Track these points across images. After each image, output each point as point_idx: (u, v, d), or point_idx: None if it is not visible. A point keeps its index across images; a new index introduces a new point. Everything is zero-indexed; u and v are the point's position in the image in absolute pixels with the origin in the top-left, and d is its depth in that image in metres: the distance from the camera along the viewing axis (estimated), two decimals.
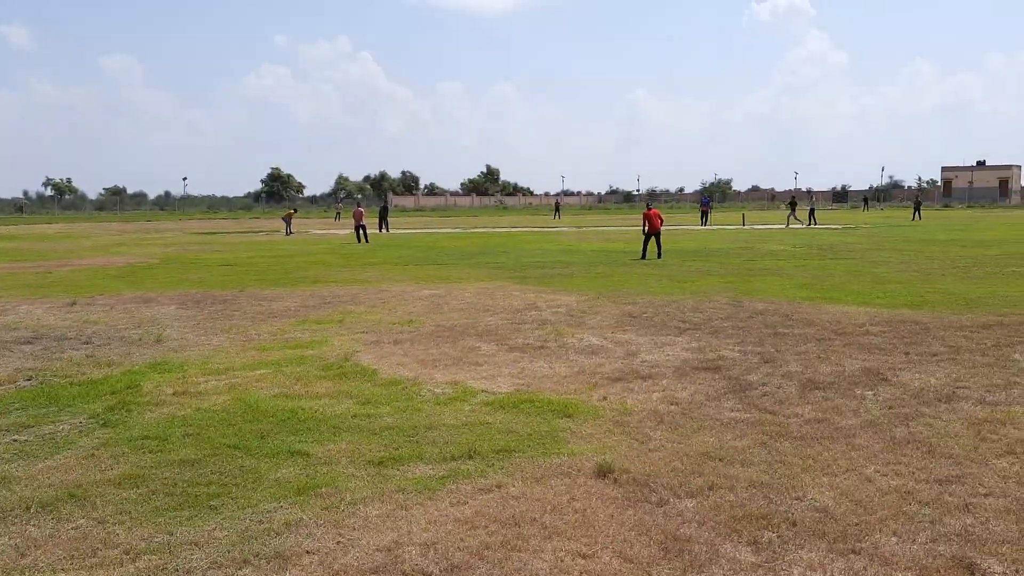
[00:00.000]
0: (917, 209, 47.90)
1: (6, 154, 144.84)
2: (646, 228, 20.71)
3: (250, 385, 7.07)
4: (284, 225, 37.14)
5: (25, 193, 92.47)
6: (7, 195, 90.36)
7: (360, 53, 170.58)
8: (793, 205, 43.89)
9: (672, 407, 6.25)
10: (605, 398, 6.54)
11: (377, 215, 38.05)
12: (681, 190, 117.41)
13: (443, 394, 6.71)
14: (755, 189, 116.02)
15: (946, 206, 78.66)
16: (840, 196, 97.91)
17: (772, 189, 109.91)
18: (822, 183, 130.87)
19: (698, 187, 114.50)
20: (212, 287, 14.93)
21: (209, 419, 6.03)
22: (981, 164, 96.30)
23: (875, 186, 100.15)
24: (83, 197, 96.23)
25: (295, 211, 42.69)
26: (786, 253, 21.50)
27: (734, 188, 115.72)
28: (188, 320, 11.02)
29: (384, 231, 36.22)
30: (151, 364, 8.04)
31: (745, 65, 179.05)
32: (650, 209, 21.37)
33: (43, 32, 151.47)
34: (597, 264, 19.05)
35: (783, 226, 39.16)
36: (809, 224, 39.67)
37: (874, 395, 6.52)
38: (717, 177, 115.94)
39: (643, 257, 20.20)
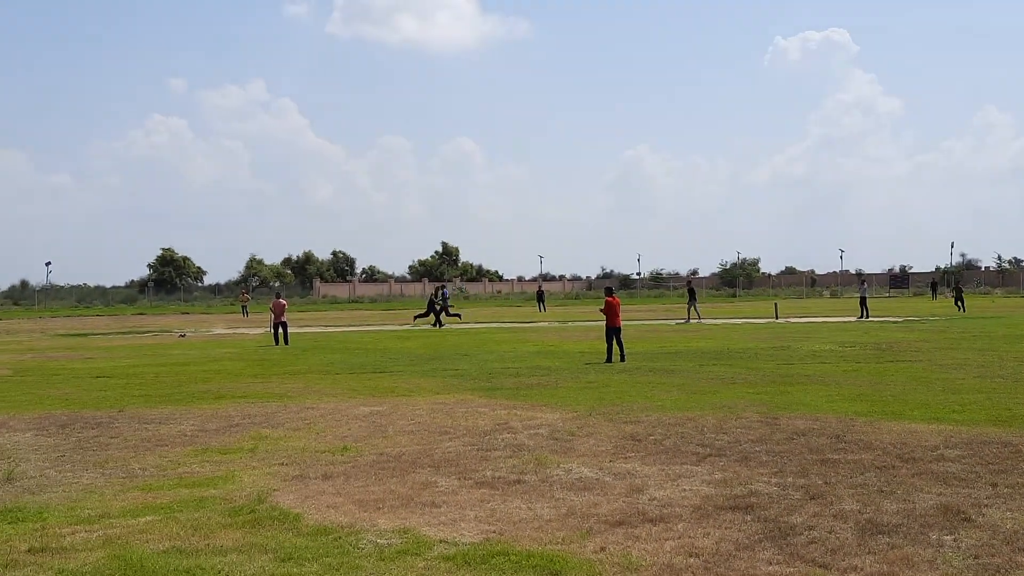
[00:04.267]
0: (959, 299, 48.03)
1: None
2: (607, 320, 21.36)
3: (132, 538, 6.94)
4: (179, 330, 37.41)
5: None
6: None
7: (279, 100, 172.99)
8: (958, 291, 47.00)
9: (692, 560, 6.22)
10: (603, 549, 6.50)
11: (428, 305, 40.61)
12: (694, 272, 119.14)
13: (389, 546, 6.63)
14: (790, 271, 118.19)
15: None
16: (899, 280, 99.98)
17: (812, 272, 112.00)
18: (876, 263, 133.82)
19: (716, 268, 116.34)
20: (82, 406, 14.78)
21: None
22: None
23: (944, 267, 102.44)
24: None
25: None
26: (832, 355, 21.79)
27: (763, 270, 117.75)
28: (49, 451, 10.86)
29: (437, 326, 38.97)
30: None
31: (771, 115, 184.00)
32: (612, 296, 21.78)
33: None
34: (587, 370, 19.15)
35: (859, 318, 39.67)
36: (860, 316, 40.30)
37: (955, 540, 6.55)
38: (740, 256, 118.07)
39: (608, 360, 20.75)
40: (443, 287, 43.87)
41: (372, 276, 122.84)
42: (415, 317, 41.49)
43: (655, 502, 7.80)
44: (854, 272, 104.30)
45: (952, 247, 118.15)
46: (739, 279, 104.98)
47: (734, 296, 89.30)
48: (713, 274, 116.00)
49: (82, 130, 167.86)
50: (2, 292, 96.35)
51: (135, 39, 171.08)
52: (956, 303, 47.77)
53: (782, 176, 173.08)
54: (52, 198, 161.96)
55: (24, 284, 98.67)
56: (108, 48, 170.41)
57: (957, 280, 59.27)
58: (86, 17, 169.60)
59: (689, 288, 43.90)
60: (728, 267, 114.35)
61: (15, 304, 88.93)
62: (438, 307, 39.87)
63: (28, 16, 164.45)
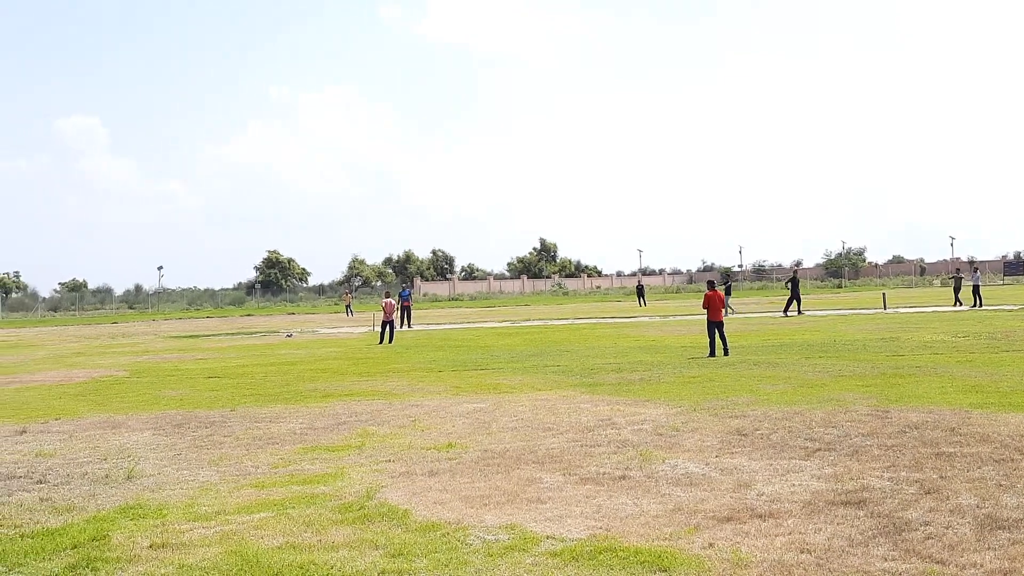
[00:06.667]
0: (958, 290, 41.01)
1: None
2: (708, 314, 21.28)
3: (247, 534, 7.13)
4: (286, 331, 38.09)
5: None
6: None
7: (376, 104, 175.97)
8: (957, 282, 42.64)
9: (803, 556, 6.12)
10: (711, 545, 6.44)
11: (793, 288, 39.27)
12: (799, 264, 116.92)
13: (496, 541, 6.68)
14: (897, 260, 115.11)
15: None
16: (1015, 266, 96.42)
17: (920, 260, 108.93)
18: (989, 250, 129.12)
19: (820, 259, 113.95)
20: (196, 406, 15.21)
21: None
22: None
23: None
24: (34, 295, 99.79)
25: None
26: (944, 345, 21.16)
27: (869, 260, 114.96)
28: (166, 450, 11.19)
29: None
30: (121, 508, 8.16)
31: (873, 102, 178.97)
32: (713, 290, 21.75)
33: None
34: (690, 364, 18.97)
35: (954, 307, 38.60)
36: (974, 305, 39.06)
37: None
38: (845, 246, 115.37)
39: (711, 354, 20.62)
40: (405, 287, 43.81)
41: (471, 274, 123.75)
42: (785, 309, 39.04)
43: (763, 497, 7.70)
44: (966, 260, 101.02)
45: None
46: (844, 269, 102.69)
47: (839, 287, 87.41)
48: (817, 265, 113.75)
49: (190, 137, 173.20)
50: (118, 296, 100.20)
51: (237, 46, 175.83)
52: (957, 300, 41.29)
53: (887, 162, 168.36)
54: (163, 204, 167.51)
55: (138, 288, 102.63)
56: (211, 56, 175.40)
57: (958, 269, 48.23)
58: (191, 28, 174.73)
59: (794, 278, 41.54)
60: (833, 257, 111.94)
61: (130, 308, 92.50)
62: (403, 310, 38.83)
63: (134, 29, 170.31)
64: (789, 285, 39.88)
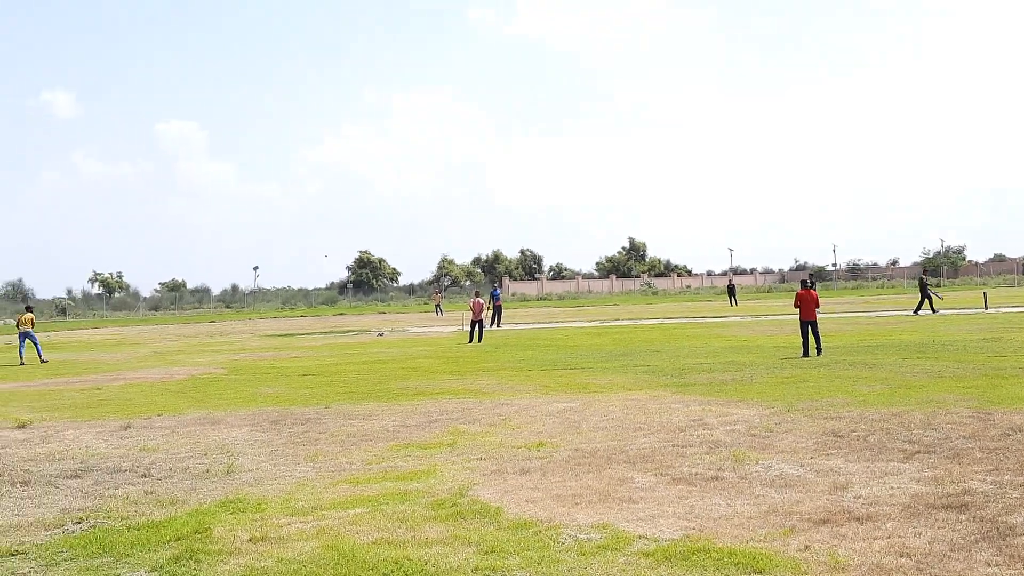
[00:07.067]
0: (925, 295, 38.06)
1: (47, 245, 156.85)
2: (801, 313, 21.01)
3: (343, 528, 7.26)
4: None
5: (69, 292, 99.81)
6: (48, 294, 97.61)
7: (466, 104, 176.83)
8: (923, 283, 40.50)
9: (903, 560, 5.99)
10: (807, 547, 6.35)
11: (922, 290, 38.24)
12: (894, 263, 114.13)
13: (588, 540, 6.68)
14: (999, 259, 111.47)
15: None
16: None
17: (1023, 258, 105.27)
18: None
19: (918, 259, 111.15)
20: (291, 403, 15.54)
21: (295, 573, 6.21)
22: None
23: None
24: (135, 294, 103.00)
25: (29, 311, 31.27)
26: None
27: (968, 258, 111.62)
28: (264, 445, 11.48)
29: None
30: (222, 502, 8.40)
31: (971, 95, 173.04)
32: (806, 289, 21.43)
33: (91, 97, 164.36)
34: (783, 365, 18.69)
35: None
36: None
37: None
38: (944, 244, 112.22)
39: (805, 354, 20.36)
40: (496, 287, 43.18)
41: (559, 274, 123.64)
42: (916, 310, 37.97)
43: (861, 500, 7.56)
44: None
45: None
46: (943, 268, 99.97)
47: (938, 286, 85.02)
48: (915, 263, 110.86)
49: (285, 139, 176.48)
50: (215, 296, 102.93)
51: (331, 49, 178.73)
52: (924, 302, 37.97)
53: (990, 156, 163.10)
54: (258, 205, 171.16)
55: (235, 288, 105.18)
56: (306, 59, 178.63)
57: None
58: (285, 32, 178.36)
59: (921, 280, 40.50)
60: (931, 256, 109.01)
61: (227, 307, 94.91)
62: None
63: (230, 35, 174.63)
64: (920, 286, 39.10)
